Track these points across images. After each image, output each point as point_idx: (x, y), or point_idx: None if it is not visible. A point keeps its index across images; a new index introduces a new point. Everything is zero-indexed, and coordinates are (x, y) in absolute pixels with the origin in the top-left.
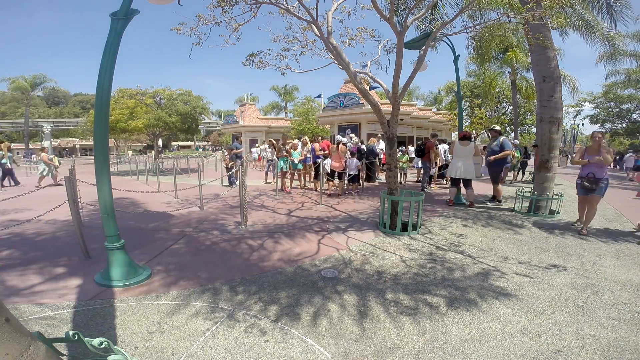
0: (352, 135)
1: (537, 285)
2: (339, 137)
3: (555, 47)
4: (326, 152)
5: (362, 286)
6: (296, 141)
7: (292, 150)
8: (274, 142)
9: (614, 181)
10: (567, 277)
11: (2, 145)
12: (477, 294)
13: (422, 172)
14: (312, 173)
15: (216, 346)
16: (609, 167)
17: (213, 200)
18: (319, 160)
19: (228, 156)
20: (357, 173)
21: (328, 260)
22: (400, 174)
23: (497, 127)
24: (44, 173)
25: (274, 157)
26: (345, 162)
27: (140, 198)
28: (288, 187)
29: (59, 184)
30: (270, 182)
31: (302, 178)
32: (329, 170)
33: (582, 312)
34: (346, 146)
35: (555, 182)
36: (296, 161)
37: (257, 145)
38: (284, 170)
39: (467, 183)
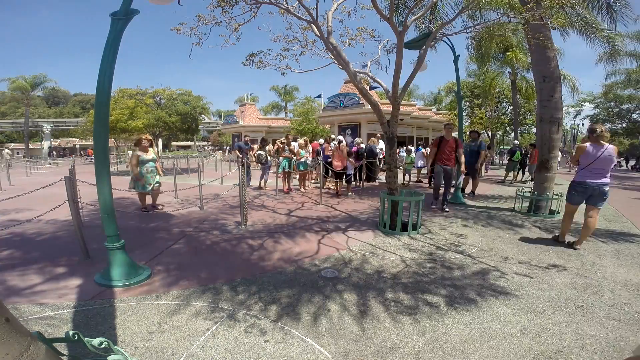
0: (358, 139)
1: (537, 285)
2: (340, 137)
3: (555, 47)
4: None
5: (362, 286)
6: (296, 143)
7: (300, 150)
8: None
9: (613, 180)
10: (567, 277)
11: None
12: (477, 293)
13: (424, 174)
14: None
15: (216, 346)
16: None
17: (213, 200)
18: (328, 160)
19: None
20: (351, 173)
21: (328, 260)
22: (404, 175)
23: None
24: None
25: (269, 159)
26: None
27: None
28: (287, 187)
29: (154, 207)
30: (261, 187)
31: (303, 179)
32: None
33: (582, 312)
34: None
35: (555, 182)
36: (308, 161)
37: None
38: (287, 170)
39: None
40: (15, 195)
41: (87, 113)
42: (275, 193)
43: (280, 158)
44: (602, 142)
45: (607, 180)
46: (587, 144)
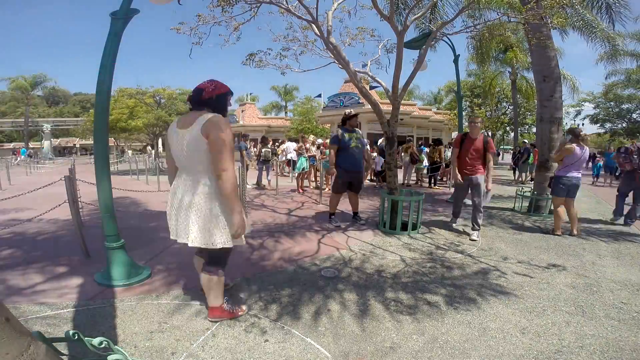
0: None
1: (536, 285)
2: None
3: (555, 47)
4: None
5: (362, 285)
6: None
7: (311, 147)
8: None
9: (613, 181)
10: (567, 277)
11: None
12: (476, 293)
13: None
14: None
15: (216, 346)
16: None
17: None
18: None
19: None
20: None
21: (328, 259)
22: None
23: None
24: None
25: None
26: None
27: (140, 198)
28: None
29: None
30: (263, 187)
31: (303, 179)
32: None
33: (582, 312)
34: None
35: None
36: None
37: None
38: (306, 170)
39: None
40: (15, 195)
41: (87, 113)
42: (275, 193)
43: (293, 156)
44: (583, 144)
45: (581, 175)
46: (574, 146)
